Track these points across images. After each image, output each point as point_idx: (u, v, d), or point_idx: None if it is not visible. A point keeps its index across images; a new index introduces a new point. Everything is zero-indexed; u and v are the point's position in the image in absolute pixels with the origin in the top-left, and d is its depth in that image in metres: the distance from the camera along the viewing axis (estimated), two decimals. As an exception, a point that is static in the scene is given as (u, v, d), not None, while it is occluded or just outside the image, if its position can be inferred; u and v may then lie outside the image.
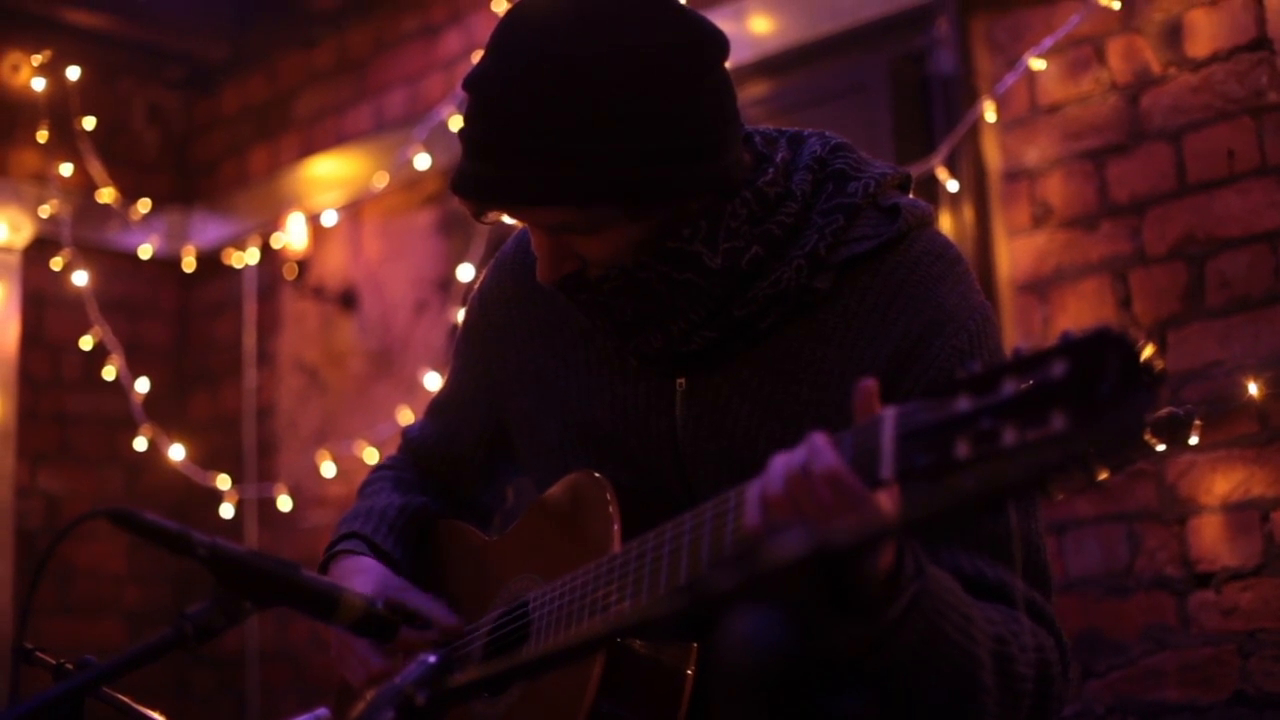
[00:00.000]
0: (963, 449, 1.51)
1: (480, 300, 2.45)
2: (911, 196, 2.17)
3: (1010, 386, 1.48)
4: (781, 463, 1.71)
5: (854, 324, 2.07)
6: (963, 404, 1.52)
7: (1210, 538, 3.70)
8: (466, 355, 2.48)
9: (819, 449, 1.68)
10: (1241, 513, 3.65)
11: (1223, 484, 3.68)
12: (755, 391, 2.10)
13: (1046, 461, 1.43)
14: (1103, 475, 1.53)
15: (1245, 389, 3.60)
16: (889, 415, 1.62)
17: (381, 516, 2.48)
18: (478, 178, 2.02)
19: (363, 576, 2.34)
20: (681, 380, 2.15)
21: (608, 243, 2.04)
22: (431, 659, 1.58)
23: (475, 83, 2.03)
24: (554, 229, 2.06)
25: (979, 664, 1.83)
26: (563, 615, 2.07)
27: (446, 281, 5.63)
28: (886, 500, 1.70)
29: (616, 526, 2.04)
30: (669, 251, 2.04)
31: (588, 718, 1.97)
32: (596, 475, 2.12)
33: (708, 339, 2.09)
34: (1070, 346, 1.44)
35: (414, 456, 2.60)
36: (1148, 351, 1.43)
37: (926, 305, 2.06)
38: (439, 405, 2.57)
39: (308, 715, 1.98)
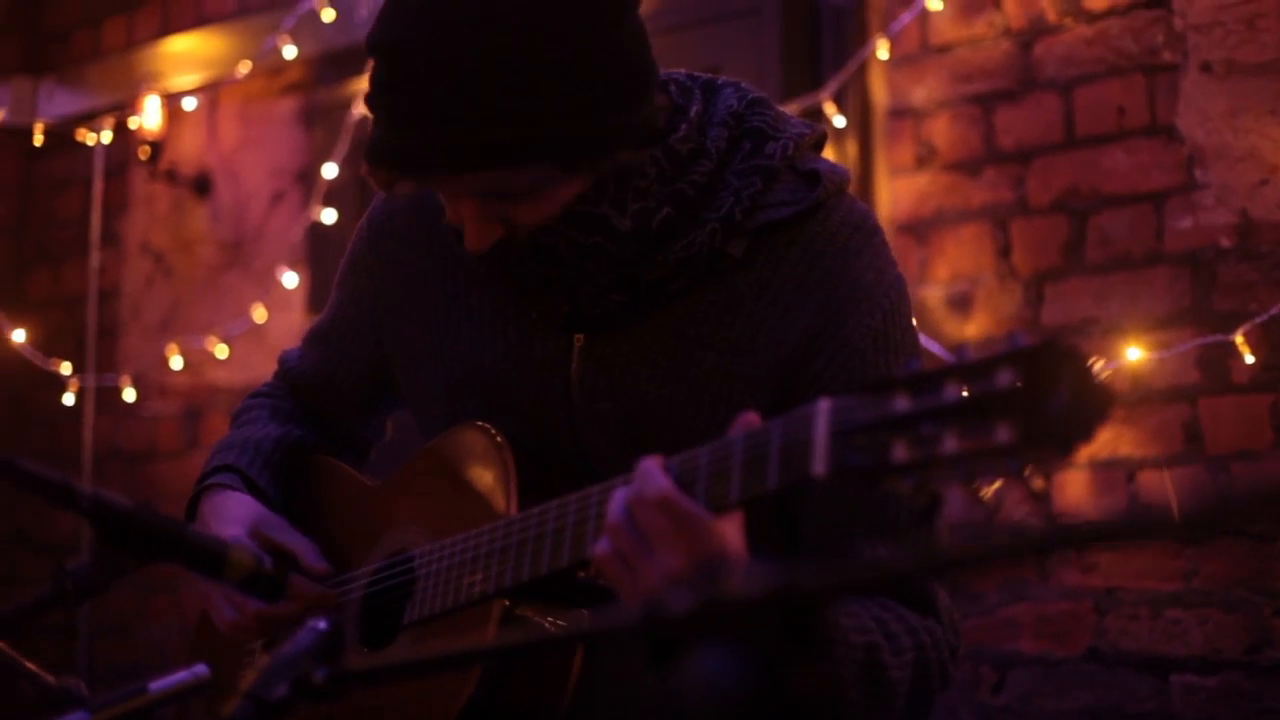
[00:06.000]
0: (900, 452, 1.44)
1: (369, 229, 2.33)
2: (826, 157, 2.11)
3: (953, 390, 1.42)
4: (619, 495, 1.69)
5: (767, 294, 2.01)
6: (901, 404, 1.46)
7: (1075, 493, 3.72)
8: (351, 286, 2.37)
9: (649, 472, 1.66)
10: (1108, 471, 3.67)
11: (1091, 441, 3.69)
12: (657, 355, 2.03)
13: (988, 471, 1.39)
14: (1038, 482, 1.50)
15: (1120, 348, 3.60)
16: (823, 409, 1.55)
17: (257, 449, 2.38)
18: (403, 148, 1.89)
19: (237, 512, 2.25)
20: (580, 336, 2.06)
21: (542, 204, 1.95)
22: (322, 625, 1.50)
23: (387, 44, 1.90)
24: (486, 194, 1.96)
25: (842, 684, 1.79)
26: (452, 578, 2.00)
27: (306, 174, 5.47)
28: (730, 527, 1.66)
29: (514, 487, 1.97)
30: (575, 215, 1.95)
31: (475, 686, 1.91)
32: (493, 431, 2.04)
33: (615, 303, 2.02)
34: (1020, 355, 1.39)
35: (291, 385, 2.50)
36: (1098, 366, 1.39)
37: (843, 281, 2.00)
38: (319, 334, 2.46)
39: (186, 672, 1.89)
